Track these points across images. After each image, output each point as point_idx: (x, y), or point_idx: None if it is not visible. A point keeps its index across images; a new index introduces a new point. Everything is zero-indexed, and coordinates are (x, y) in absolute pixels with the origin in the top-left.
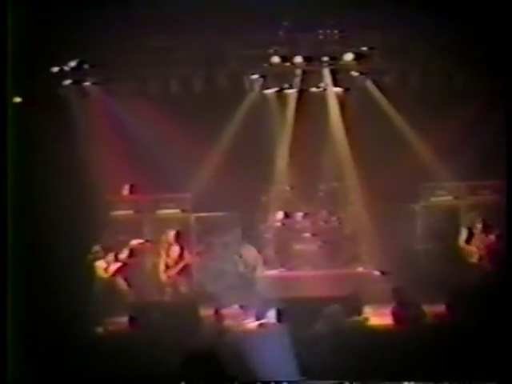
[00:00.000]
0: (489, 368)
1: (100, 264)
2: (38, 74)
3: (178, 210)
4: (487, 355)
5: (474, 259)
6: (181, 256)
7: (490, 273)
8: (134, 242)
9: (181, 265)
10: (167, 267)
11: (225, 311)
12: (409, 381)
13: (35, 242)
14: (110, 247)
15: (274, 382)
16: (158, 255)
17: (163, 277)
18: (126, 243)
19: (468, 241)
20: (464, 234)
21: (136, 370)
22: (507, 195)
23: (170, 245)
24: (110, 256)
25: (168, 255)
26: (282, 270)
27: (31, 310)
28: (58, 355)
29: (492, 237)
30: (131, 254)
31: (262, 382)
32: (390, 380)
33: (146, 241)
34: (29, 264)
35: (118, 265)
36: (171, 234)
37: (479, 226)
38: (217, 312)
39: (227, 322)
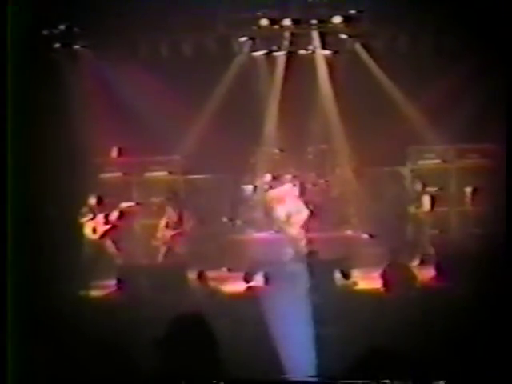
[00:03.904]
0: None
1: (89, 225)
2: (26, 37)
3: (166, 173)
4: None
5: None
6: (180, 217)
7: (479, 237)
8: (125, 205)
9: (178, 230)
10: (167, 226)
11: (213, 274)
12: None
13: (23, 203)
14: (99, 209)
15: None
16: (148, 218)
17: (159, 235)
18: (115, 205)
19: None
20: (426, 201)
21: (122, 333)
22: (506, 159)
23: (172, 205)
24: (99, 217)
25: (169, 215)
26: (271, 232)
27: (19, 271)
28: (44, 318)
29: (480, 201)
30: (121, 216)
31: None
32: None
33: (137, 203)
34: (17, 225)
35: (107, 227)
36: (171, 194)
37: (468, 190)
38: (204, 275)
39: (215, 285)
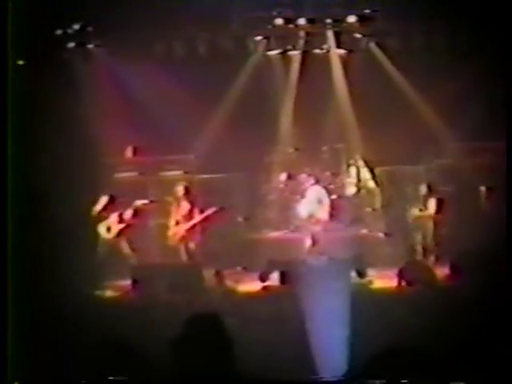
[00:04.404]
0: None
1: (103, 225)
2: (41, 37)
3: (181, 172)
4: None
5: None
6: (190, 213)
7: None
8: (138, 203)
9: (191, 223)
10: (177, 223)
11: (228, 273)
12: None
13: (37, 203)
14: (114, 209)
15: None
16: (163, 217)
17: (172, 233)
18: (129, 205)
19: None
20: (432, 204)
21: (138, 334)
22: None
23: (180, 201)
24: (114, 217)
25: (178, 212)
26: (286, 231)
27: (32, 271)
28: (58, 318)
29: (496, 199)
30: (135, 214)
31: None
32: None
33: (151, 201)
34: (30, 225)
35: (122, 225)
36: (180, 189)
37: (482, 188)
38: (220, 274)
39: (230, 284)
